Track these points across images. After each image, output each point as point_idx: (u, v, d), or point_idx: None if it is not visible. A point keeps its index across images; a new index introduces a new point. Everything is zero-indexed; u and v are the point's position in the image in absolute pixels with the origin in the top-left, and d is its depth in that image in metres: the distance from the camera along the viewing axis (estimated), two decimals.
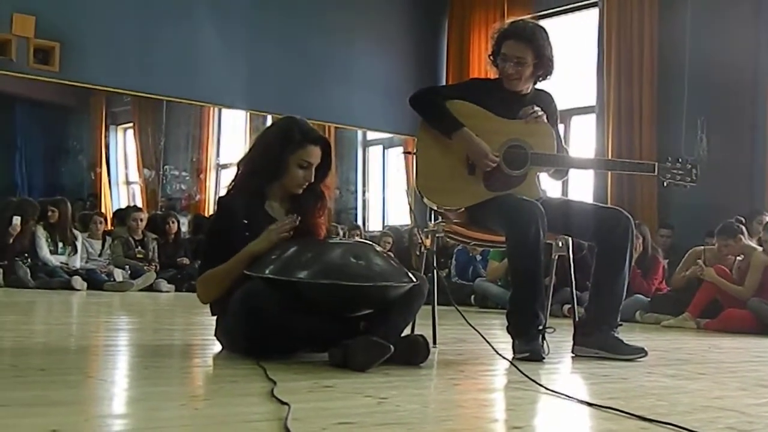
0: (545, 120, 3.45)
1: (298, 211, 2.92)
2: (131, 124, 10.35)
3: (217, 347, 2.95)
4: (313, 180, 2.93)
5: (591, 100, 9.24)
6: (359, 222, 11.01)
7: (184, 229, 9.57)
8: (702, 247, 6.71)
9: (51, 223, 8.25)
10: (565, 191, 8.07)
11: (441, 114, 3.39)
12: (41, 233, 8.20)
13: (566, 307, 6.48)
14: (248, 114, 10.51)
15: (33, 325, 4.18)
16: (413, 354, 2.70)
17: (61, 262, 8.17)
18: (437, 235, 3.59)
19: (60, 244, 8.30)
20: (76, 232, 8.50)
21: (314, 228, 2.98)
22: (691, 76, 8.34)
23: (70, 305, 5.85)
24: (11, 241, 7.98)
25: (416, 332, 3.03)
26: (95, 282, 7.97)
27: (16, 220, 8.00)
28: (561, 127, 3.81)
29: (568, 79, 8.88)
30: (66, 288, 7.63)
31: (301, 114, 3.05)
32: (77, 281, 7.74)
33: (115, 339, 3.58)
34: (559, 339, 3.53)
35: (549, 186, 3.63)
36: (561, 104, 3.65)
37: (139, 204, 9.84)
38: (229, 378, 2.36)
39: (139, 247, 8.80)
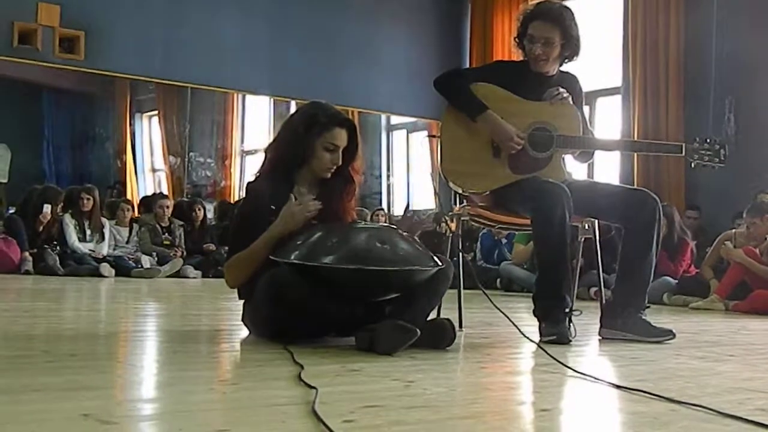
0: (570, 102, 3.43)
1: (327, 196, 2.93)
2: (156, 112, 10.40)
3: (245, 332, 2.97)
4: (340, 163, 2.93)
5: (616, 81, 9.16)
6: (384, 206, 11.01)
7: (209, 215, 9.62)
8: (733, 231, 6.64)
9: (80, 211, 8.30)
10: (590, 173, 8.02)
11: (465, 97, 3.38)
12: (69, 221, 8.26)
13: (593, 289, 6.45)
14: (272, 100, 10.53)
15: (63, 311, 4.23)
16: (439, 338, 2.71)
17: (90, 250, 8.24)
18: (462, 218, 3.59)
19: (88, 232, 8.36)
20: (103, 219, 8.56)
21: (343, 213, 2.98)
22: (718, 54, 8.24)
23: (98, 292, 5.91)
24: (41, 228, 8.05)
25: (442, 316, 3.04)
26: (123, 269, 8.03)
27: (47, 207, 8.07)
28: (586, 109, 3.79)
29: (593, 60, 8.81)
30: (94, 275, 7.69)
31: (325, 99, 3.05)
32: (105, 268, 7.80)
33: (143, 325, 3.61)
34: (586, 322, 3.52)
35: (574, 168, 3.61)
36: (586, 86, 3.63)
37: (165, 191, 9.90)
38: (256, 362, 2.38)
39: (166, 234, 8.86)
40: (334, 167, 2.94)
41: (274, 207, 2.84)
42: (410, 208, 2.91)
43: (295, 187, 2.96)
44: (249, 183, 2.99)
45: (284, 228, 2.77)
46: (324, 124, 2.90)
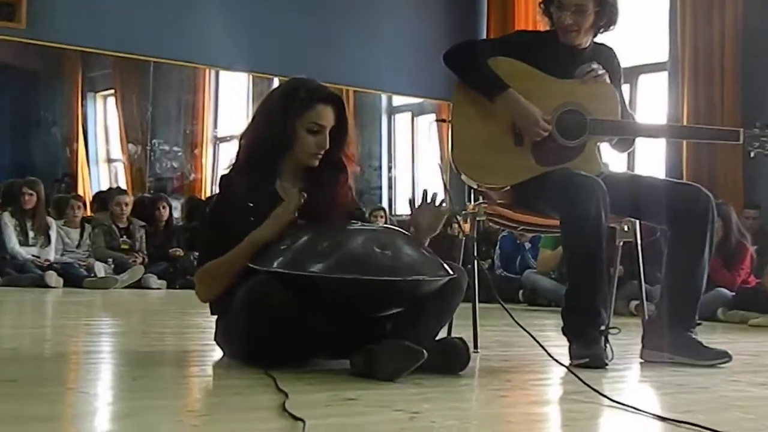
0: (607, 80, 3.43)
1: (316, 187, 2.93)
2: (112, 91, 10.40)
3: (218, 353, 2.97)
4: (327, 146, 2.92)
5: (662, 55, 9.16)
6: (384, 204, 11.02)
7: (176, 214, 9.63)
8: None
9: (21, 209, 8.29)
10: (631, 165, 8.04)
11: (481, 73, 3.39)
12: (8, 221, 8.26)
13: (633, 303, 6.45)
14: (251, 77, 10.53)
15: (1, 329, 4.23)
16: (450, 360, 2.71)
17: (33, 255, 8.24)
18: (478, 218, 3.59)
19: (31, 234, 8.36)
20: (49, 219, 8.55)
21: (334, 210, 2.97)
22: None
23: (43, 305, 5.91)
24: None
25: (454, 335, 3.04)
26: (73, 278, 8.03)
27: None
28: (625, 88, 3.80)
29: (633, 30, 8.81)
30: (39, 285, 7.68)
31: (314, 76, 3.05)
32: (52, 277, 7.80)
33: (97, 345, 3.61)
34: (626, 341, 3.52)
35: (612, 159, 3.61)
36: (626, 61, 3.64)
37: (124, 185, 9.91)
38: (232, 390, 2.37)
39: (124, 237, 8.86)
40: (321, 152, 2.93)
41: (252, 204, 2.85)
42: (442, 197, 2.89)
43: (277, 180, 2.96)
44: (223, 176, 2.98)
45: (267, 233, 2.77)
46: (304, 101, 2.89)
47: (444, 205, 2.94)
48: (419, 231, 2.91)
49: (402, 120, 11.60)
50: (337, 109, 2.96)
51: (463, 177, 3.46)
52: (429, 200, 2.93)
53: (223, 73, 10.65)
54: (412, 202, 2.98)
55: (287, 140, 2.91)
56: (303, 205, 2.80)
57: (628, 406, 2.20)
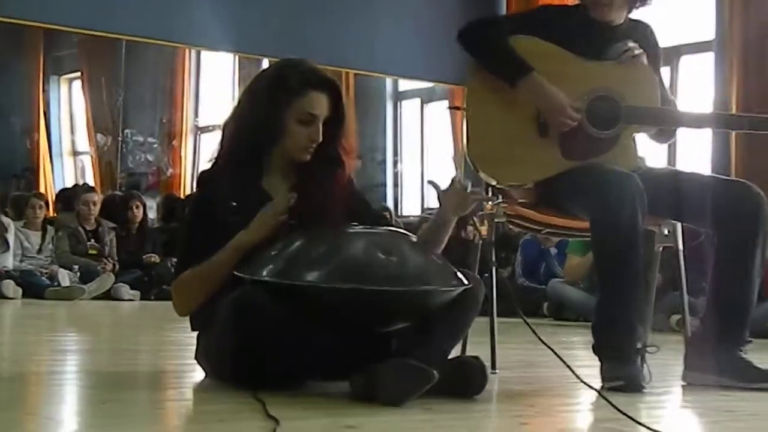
0: (644, 61, 3.43)
1: (308, 185, 2.93)
2: (79, 74, 10.46)
3: (200, 374, 2.97)
4: (320, 139, 2.93)
5: (708, 33, 9.15)
6: (389, 203, 11.03)
7: (151, 215, 9.65)
8: None
9: None
10: (671, 159, 8.03)
11: (501, 54, 3.38)
12: None
13: (675, 317, 6.45)
14: (236, 58, 10.55)
15: None
16: (465, 382, 2.71)
17: None
18: (497, 220, 3.59)
19: None
20: (6, 220, 8.58)
21: (330, 210, 2.97)
22: None
23: (0, 319, 5.91)
24: None
25: (468, 353, 3.04)
26: (34, 287, 8.05)
27: None
28: (665, 71, 3.79)
29: (674, 4, 8.80)
30: None
31: (308, 57, 3.05)
32: (9, 287, 7.82)
33: (61, 364, 3.61)
34: (665, 361, 3.52)
35: (650, 152, 3.61)
36: (666, 39, 3.63)
37: (91, 182, 9.95)
38: (215, 416, 2.38)
39: (92, 241, 8.88)
40: (313, 145, 2.93)
41: (236, 204, 2.85)
42: (460, 178, 2.92)
43: (263, 176, 2.96)
44: (202, 173, 2.99)
45: (254, 236, 2.77)
46: (294, 88, 2.89)
47: (477, 191, 2.98)
48: (446, 210, 2.96)
49: (409, 107, 11.61)
50: (333, 96, 2.95)
51: (481, 173, 3.46)
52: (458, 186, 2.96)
53: (205, 54, 10.69)
54: (434, 183, 3.02)
55: (275, 131, 2.91)
56: (294, 206, 2.80)
57: None
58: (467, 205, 3.00)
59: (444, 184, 3.01)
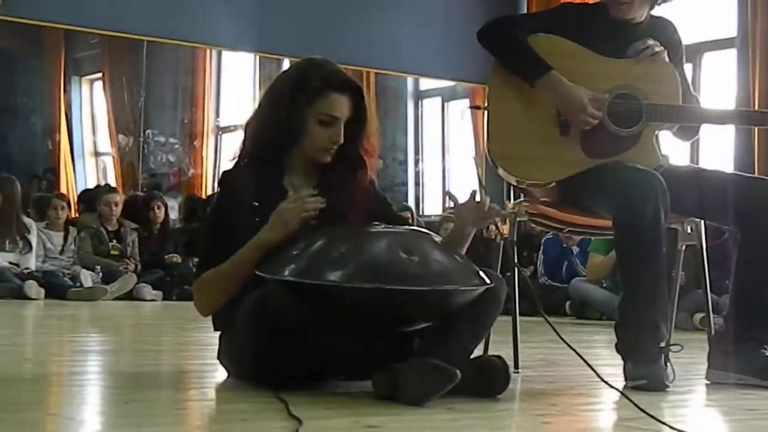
0: (666, 58, 3.42)
1: (329, 187, 2.93)
2: (100, 75, 10.47)
3: (222, 374, 2.98)
4: (341, 141, 2.93)
5: (730, 30, 9.11)
6: (411, 203, 11.02)
7: (173, 215, 9.66)
8: None
9: None
10: (695, 157, 7.99)
11: (521, 53, 3.38)
12: None
13: (698, 316, 6.43)
14: (257, 58, 10.56)
15: None
16: (487, 382, 2.71)
17: (10, 263, 8.28)
18: (518, 219, 3.58)
19: (7, 239, 8.40)
20: (29, 221, 8.60)
21: (351, 210, 2.97)
22: None
23: (23, 319, 5.94)
24: None
25: (491, 352, 3.04)
26: (56, 288, 8.07)
27: None
28: (687, 68, 3.78)
29: (697, 2, 8.77)
30: (17, 297, 7.72)
31: (329, 57, 3.05)
32: (32, 287, 7.84)
33: (84, 364, 3.62)
34: (689, 360, 3.51)
35: (673, 150, 3.60)
36: (688, 36, 3.62)
37: (113, 183, 9.96)
38: (237, 415, 2.38)
39: (114, 241, 8.90)
40: (334, 147, 2.93)
41: (258, 204, 2.85)
42: (480, 193, 2.93)
43: (285, 176, 2.97)
44: (225, 172, 2.99)
45: (274, 234, 2.78)
46: (316, 89, 2.89)
47: (495, 207, 2.96)
48: (464, 223, 2.95)
49: (430, 106, 11.60)
50: (355, 98, 2.95)
51: (501, 172, 3.46)
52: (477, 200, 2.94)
53: (225, 54, 10.69)
54: (451, 195, 3.02)
55: (296, 132, 2.91)
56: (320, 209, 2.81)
57: None
58: (485, 221, 2.99)
59: (462, 197, 3.00)
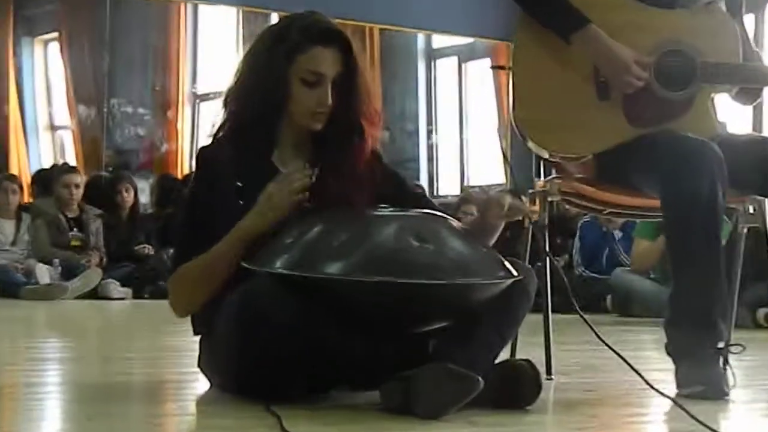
0: (723, 9, 3.42)
1: (323, 160, 2.93)
2: (56, 35, 10.46)
3: (203, 384, 2.99)
4: (330, 102, 2.90)
5: None
6: (423, 181, 11.01)
7: (144, 199, 9.67)
8: None
9: None
10: (757, 124, 7.99)
11: (554, 3, 3.38)
12: None
13: (762, 311, 6.43)
14: (240, 12, 10.54)
15: None
16: (515, 391, 2.72)
17: None
18: (550, 198, 3.58)
19: None
20: None
21: (354, 189, 2.96)
22: None
23: None
24: None
25: (518, 356, 3.04)
26: (7, 286, 8.09)
27: None
28: (749, 19, 3.77)
29: None
30: None
31: (323, 11, 3.03)
32: None
33: (41, 374, 3.63)
34: (752, 363, 3.51)
35: (732, 116, 3.59)
36: None
37: (73, 161, 9.97)
38: (221, 431, 2.39)
39: (75, 230, 8.91)
40: (324, 110, 2.91)
41: (242, 184, 2.85)
42: (500, 191, 2.99)
43: (275, 151, 2.97)
44: (202, 148, 3.00)
45: (262, 221, 2.78)
46: (295, 43, 2.87)
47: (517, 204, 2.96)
48: (488, 219, 2.95)
49: (445, 67, 11.58)
50: (342, 50, 2.93)
51: (530, 143, 3.46)
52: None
53: (203, 8, 10.68)
54: (470, 195, 3.04)
55: (279, 96, 2.90)
56: (309, 185, 2.79)
57: None
58: (510, 217, 2.98)
59: (481, 195, 3.02)
